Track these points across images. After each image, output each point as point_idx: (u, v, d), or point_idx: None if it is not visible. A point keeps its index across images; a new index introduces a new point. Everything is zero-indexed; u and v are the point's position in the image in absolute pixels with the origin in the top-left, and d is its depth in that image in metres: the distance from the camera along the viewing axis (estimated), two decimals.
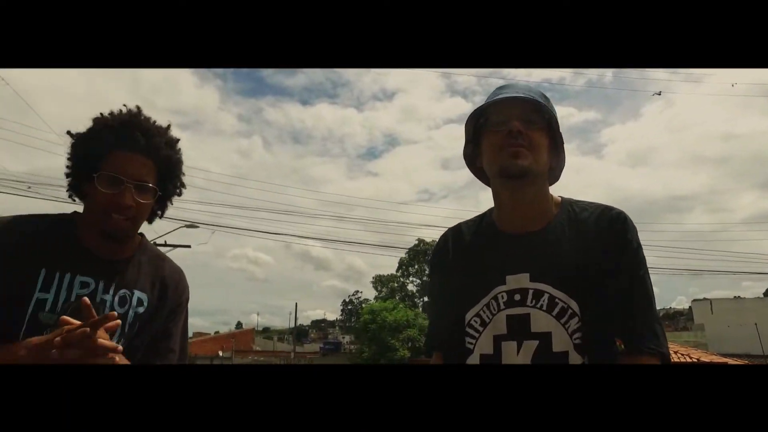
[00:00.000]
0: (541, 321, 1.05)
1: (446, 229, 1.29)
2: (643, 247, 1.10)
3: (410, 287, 37.89)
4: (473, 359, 1.10)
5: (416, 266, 36.85)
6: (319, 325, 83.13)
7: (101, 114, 1.26)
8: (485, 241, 1.19)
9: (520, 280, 1.08)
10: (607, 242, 1.06)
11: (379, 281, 38.13)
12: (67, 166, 1.26)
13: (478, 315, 1.12)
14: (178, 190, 1.35)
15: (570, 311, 1.03)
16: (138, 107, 1.28)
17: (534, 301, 1.06)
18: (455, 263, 1.21)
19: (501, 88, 1.18)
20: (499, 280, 1.10)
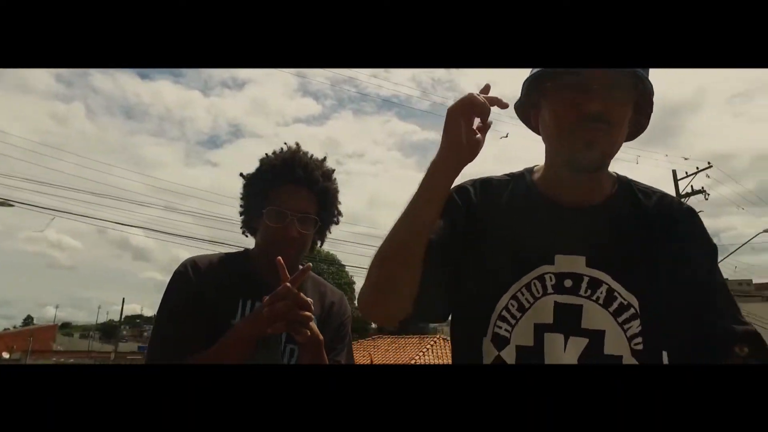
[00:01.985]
0: (595, 316, 0.89)
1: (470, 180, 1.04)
2: None
3: None
4: (509, 351, 0.92)
5: None
6: (134, 321, 75.08)
7: (266, 154, 1.38)
8: (527, 206, 0.98)
9: (573, 263, 0.91)
10: (681, 235, 0.93)
11: None
12: (241, 206, 1.41)
13: (515, 297, 0.92)
14: (335, 219, 1.44)
15: (632, 310, 0.89)
16: (297, 144, 1.40)
17: (589, 292, 0.90)
18: (485, 225, 0.98)
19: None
20: (547, 258, 0.92)
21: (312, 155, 1.38)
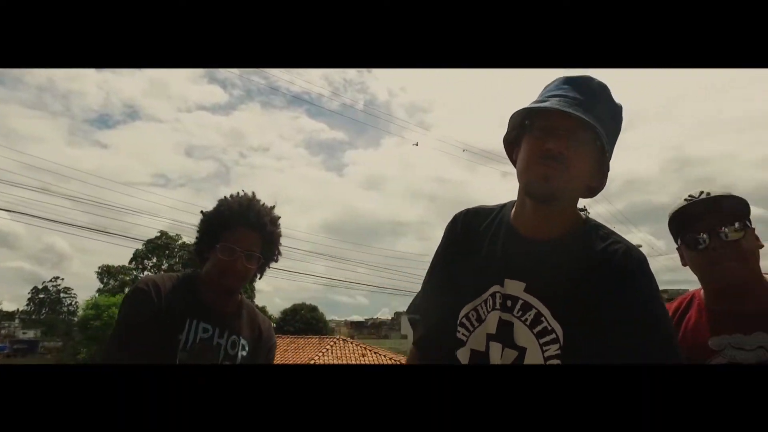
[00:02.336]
0: (521, 334, 1.00)
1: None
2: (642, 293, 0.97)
3: None
4: (464, 352, 1.06)
5: (154, 260, 33.99)
6: None
7: (225, 197, 1.60)
8: (497, 233, 1.11)
9: (516, 287, 1.03)
10: (618, 282, 0.96)
11: (107, 272, 34.00)
12: (197, 236, 1.61)
13: (475, 309, 1.07)
14: (276, 258, 1.67)
15: (553, 335, 0.98)
16: (253, 192, 1.63)
17: (520, 313, 1.01)
18: (462, 246, 1.15)
19: (564, 81, 1.06)
20: (498, 279, 1.04)
21: (263, 203, 1.61)
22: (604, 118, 1.01)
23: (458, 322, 1.08)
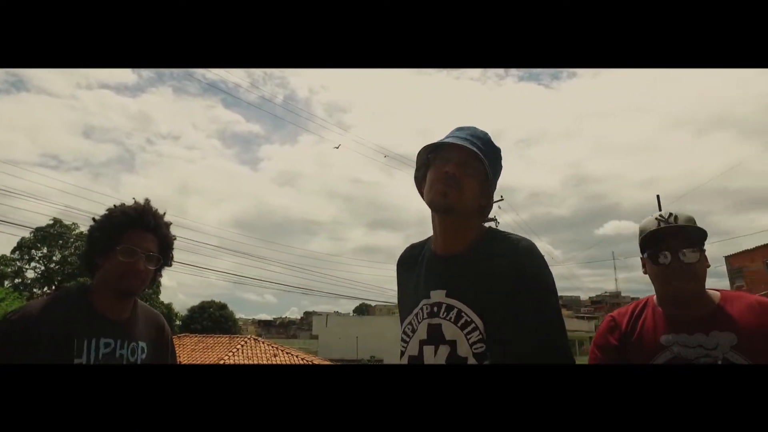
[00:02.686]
0: (449, 330, 1.19)
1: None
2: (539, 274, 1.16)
3: (30, 274, 31.37)
4: (403, 360, 1.28)
5: (45, 250, 31.17)
6: None
7: (115, 205, 1.61)
8: (423, 260, 1.34)
9: (439, 295, 1.24)
10: (516, 271, 1.15)
11: None
12: (88, 244, 1.57)
13: (410, 323, 1.30)
14: (170, 261, 1.71)
15: (473, 324, 1.16)
16: (147, 199, 1.66)
17: (446, 314, 1.21)
18: (403, 279, 1.43)
19: (458, 129, 1.31)
20: (425, 293, 1.27)
21: (156, 209, 1.64)
22: (488, 155, 1.26)
23: (401, 336, 1.31)
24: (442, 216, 1.26)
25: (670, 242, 1.42)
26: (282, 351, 19.30)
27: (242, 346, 19.06)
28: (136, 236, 1.53)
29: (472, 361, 1.16)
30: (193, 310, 32.47)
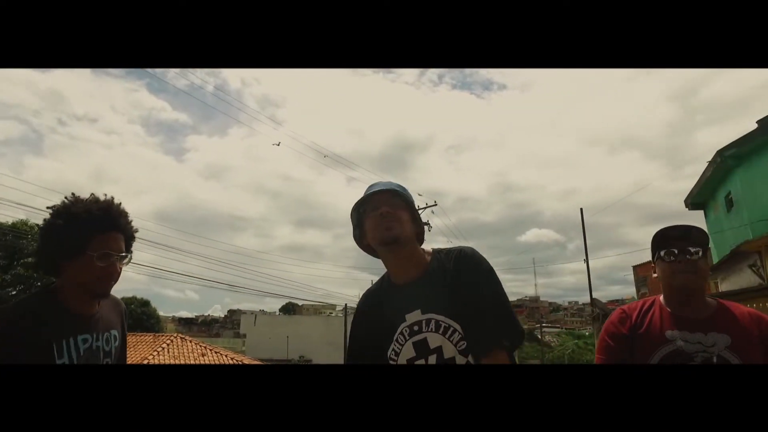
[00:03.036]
0: (434, 339, 1.37)
1: None
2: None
3: None
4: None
5: None
6: None
7: (69, 201, 1.54)
8: (386, 294, 1.53)
9: (415, 315, 1.42)
10: (465, 274, 1.40)
11: None
12: (53, 246, 1.48)
13: (392, 349, 1.45)
14: (131, 255, 1.68)
15: (452, 328, 1.37)
16: (112, 197, 1.61)
17: (426, 327, 1.40)
18: (371, 315, 1.56)
19: (370, 186, 1.54)
20: (401, 319, 1.44)
21: (119, 205, 1.60)
22: (404, 192, 1.54)
23: (388, 359, 1.45)
24: (391, 248, 1.47)
25: (677, 242, 1.66)
26: (210, 350, 18.76)
27: (168, 344, 18.32)
28: (107, 239, 1.51)
29: (459, 358, 1.35)
30: None
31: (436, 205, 20.81)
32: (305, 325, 31.80)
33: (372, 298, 1.59)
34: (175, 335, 20.31)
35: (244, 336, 33.64)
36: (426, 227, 21.34)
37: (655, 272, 1.77)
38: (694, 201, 14.96)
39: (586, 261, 18.73)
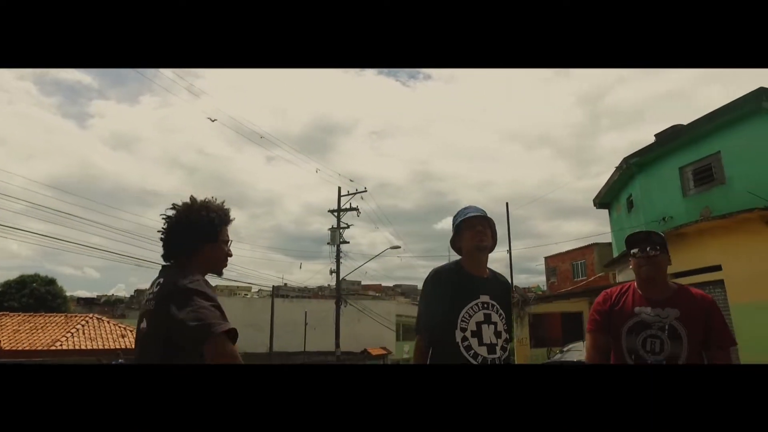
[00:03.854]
0: (493, 316, 2.16)
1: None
2: None
3: None
4: (465, 333, 2.08)
5: None
6: None
7: (196, 200, 1.85)
8: (464, 277, 2.23)
9: (486, 297, 2.19)
10: (505, 289, 2.34)
11: None
12: (194, 232, 1.77)
13: (467, 311, 2.14)
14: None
15: (500, 313, 2.20)
16: (213, 197, 1.95)
17: (492, 307, 2.18)
18: (452, 287, 2.20)
19: (466, 208, 2.32)
20: (477, 296, 2.18)
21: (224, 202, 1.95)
22: (491, 219, 2.32)
23: (459, 319, 2.12)
24: (481, 253, 2.25)
25: (641, 244, 2.21)
26: (131, 332, 17.96)
27: (83, 326, 17.30)
28: (226, 231, 1.87)
29: (503, 333, 2.18)
30: (7, 285, 27.50)
31: (366, 191, 21.39)
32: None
33: (450, 275, 2.25)
34: (90, 315, 19.17)
35: None
36: (355, 212, 22.17)
37: (630, 265, 2.35)
38: (602, 201, 16.83)
39: (509, 252, 20.31)
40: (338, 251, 20.11)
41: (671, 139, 12.52)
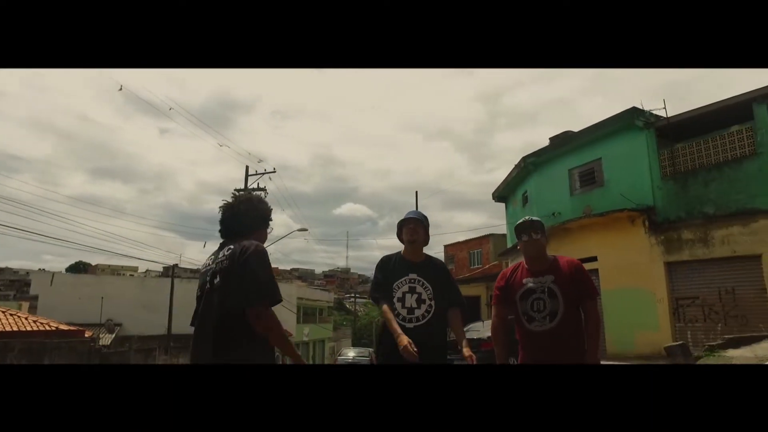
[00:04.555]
0: (417, 288, 2.90)
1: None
2: None
3: None
4: (395, 299, 2.85)
5: None
6: None
7: (254, 194, 2.54)
8: (401, 262, 3.00)
9: (413, 275, 2.92)
10: (438, 269, 3.03)
11: None
12: (262, 217, 2.23)
13: (397, 284, 2.92)
14: None
15: (426, 286, 2.89)
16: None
17: (417, 282, 2.91)
18: (390, 268, 2.98)
19: (408, 212, 3.05)
20: (406, 274, 2.93)
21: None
22: (424, 218, 3.10)
23: (392, 289, 2.92)
24: (412, 245, 3.00)
25: (526, 230, 2.75)
26: (5, 313, 16.21)
27: None
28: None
29: (428, 300, 2.85)
30: None
31: (275, 171, 21.24)
32: (116, 287, 28.89)
33: (390, 259, 3.07)
34: None
35: (35, 298, 29.13)
36: (263, 193, 21.94)
37: (519, 247, 2.93)
38: (500, 195, 18.38)
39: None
40: None
41: (563, 144, 14.12)
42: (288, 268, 66.55)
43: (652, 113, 11.68)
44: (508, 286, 2.76)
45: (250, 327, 1.73)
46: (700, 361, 6.18)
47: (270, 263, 1.97)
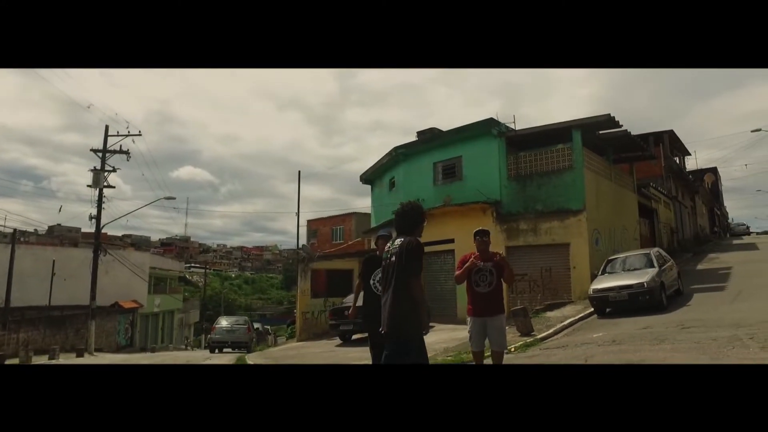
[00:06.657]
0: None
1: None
2: None
3: None
4: (374, 281, 4.90)
5: None
6: None
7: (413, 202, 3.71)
8: (377, 258, 4.77)
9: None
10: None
11: None
12: (422, 220, 3.46)
13: (376, 272, 4.82)
14: None
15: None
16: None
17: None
18: (369, 263, 5.12)
19: (382, 229, 4.97)
20: (380, 266, 3.77)
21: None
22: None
23: (372, 275, 5.03)
24: (382, 249, 4.57)
25: (481, 234, 4.80)
26: None
27: None
28: None
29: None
30: None
31: (140, 134, 20.05)
32: None
33: (373, 257, 5.07)
34: None
35: None
36: (126, 156, 20.34)
37: (474, 242, 4.79)
38: (367, 178, 20.09)
39: (297, 215, 22.37)
40: (101, 195, 18.40)
41: (430, 140, 16.32)
42: (119, 234, 59.65)
43: (505, 125, 14.41)
44: (465, 261, 4.77)
45: (407, 287, 2.94)
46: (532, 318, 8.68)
47: (421, 253, 3.14)
